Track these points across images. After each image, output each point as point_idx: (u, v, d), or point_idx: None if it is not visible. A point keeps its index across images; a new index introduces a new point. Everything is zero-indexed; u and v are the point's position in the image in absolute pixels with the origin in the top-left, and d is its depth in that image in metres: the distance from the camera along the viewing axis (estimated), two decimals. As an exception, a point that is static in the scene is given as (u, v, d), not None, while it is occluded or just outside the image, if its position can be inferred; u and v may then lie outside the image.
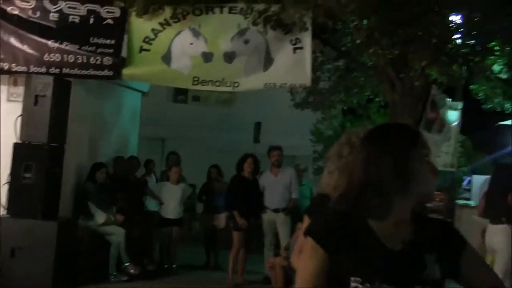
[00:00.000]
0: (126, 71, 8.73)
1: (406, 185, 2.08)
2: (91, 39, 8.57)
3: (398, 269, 2.05)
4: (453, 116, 10.95)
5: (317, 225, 2.22)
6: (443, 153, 10.97)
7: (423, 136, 2.17)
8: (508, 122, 13.23)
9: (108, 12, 8.57)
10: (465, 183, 13.91)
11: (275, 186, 9.78)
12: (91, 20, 8.60)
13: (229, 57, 8.57)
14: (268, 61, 8.53)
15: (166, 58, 8.64)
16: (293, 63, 8.50)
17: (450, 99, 11.07)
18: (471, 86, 11.56)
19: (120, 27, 8.62)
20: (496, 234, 6.99)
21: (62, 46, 8.54)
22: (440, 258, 2.10)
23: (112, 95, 10.90)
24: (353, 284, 2.01)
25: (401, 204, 2.11)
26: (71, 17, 8.61)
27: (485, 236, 7.72)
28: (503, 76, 10.76)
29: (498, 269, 6.89)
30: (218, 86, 8.75)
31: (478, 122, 14.38)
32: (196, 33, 8.52)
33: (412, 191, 2.09)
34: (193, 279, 10.09)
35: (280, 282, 8.31)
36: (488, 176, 9.81)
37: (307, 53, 8.41)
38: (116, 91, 10.84)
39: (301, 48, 8.39)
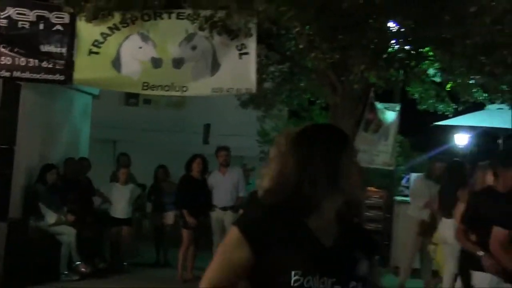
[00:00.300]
0: (77, 77, 8.63)
1: (336, 184, 2.11)
2: (41, 44, 8.46)
3: (335, 264, 2.08)
4: (390, 117, 11.10)
5: (246, 218, 2.24)
6: (382, 152, 11.10)
7: (351, 139, 2.25)
8: (442, 123, 13.48)
9: (57, 17, 8.44)
10: (404, 181, 14.14)
11: (223, 185, 9.83)
12: (41, 26, 8.45)
13: (178, 62, 8.55)
14: (215, 66, 8.53)
15: (116, 63, 8.56)
16: (239, 68, 8.52)
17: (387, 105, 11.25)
18: (407, 88, 11.75)
19: (69, 32, 8.50)
20: (449, 228, 7.11)
21: (13, 51, 8.38)
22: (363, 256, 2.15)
23: (63, 98, 10.76)
24: (294, 278, 2.01)
25: (331, 202, 2.14)
26: (20, 23, 8.45)
27: (439, 229, 7.91)
28: (437, 79, 10.96)
29: (450, 258, 7.10)
30: (167, 90, 8.73)
31: (415, 123, 14.61)
32: (145, 38, 8.48)
33: (341, 190, 2.12)
34: (143, 276, 10.06)
35: None
36: (420, 174, 10.03)
37: (252, 58, 8.45)
38: (67, 93, 10.70)
39: (246, 53, 8.42)
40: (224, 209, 9.69)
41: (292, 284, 2.01)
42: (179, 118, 15.62)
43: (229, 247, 2.09)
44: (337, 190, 2.13)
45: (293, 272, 2.02)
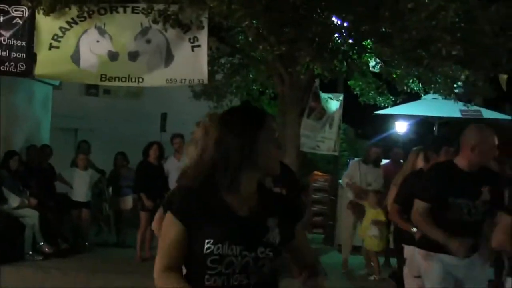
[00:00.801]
0: (38, 71, 8.53)
1: (253, 162, 2.19)
2: (1, 37, 8.29)
3: (244, 232, 2.15)
4: (334, 106, 11.22)
5: (174, 200, 2.30)
6: (327, 139, 11.24)
7: (270, 118, 2.26)
8: (382, 112, 13.66)
9: (16, 10, 8.29)
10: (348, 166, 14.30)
11: (178, 170, 9.64)
12: (1, 19, 8.29)
13: (133, 56, 8.49)
14: (169, 58, 8.50)
15: (75, 57, 8.46)
16: (191, 60, 8.49)
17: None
18: (349, 82, 11.89)
19: (29, 25, 8.35)
20: None
21: (-26, 43, 8.23)
22: (280, 224, 2.22)
23: (23, 88, 10.69)
24: (207, 246, 2.10)
25: (249, 178, 2.22)
26: (-21, 16, 8.31)
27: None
28: (376, 70, 11.10)
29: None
30: (124, 81, 8.67)
31: (359, 112, 14.79)
32: (102, 32, 8.39)
33: (258, 166, 2.21)
34: (104, 256, 10.01)
35: None
36: (357, 159, 10.16)
37: (204, 51, 8.44)
38: (27, 84, 10.57)
39: (198, 46, 8.41)
40: (179, 192, 9.66)
41: (204, 251, 2.11)
42: (137, 108, 15.49)
43: (166, 228, 2.23)
44: (253, 166, 2.20)
45: (206, 241, 2.12)
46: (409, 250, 5.35)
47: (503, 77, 9.26)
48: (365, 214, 9.11)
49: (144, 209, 9.59)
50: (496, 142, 4.32)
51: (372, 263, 9.15)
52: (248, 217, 2.19)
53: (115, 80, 8.62)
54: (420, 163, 5.73)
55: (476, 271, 4.39)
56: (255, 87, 12.14)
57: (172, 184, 9.68)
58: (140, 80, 8.60)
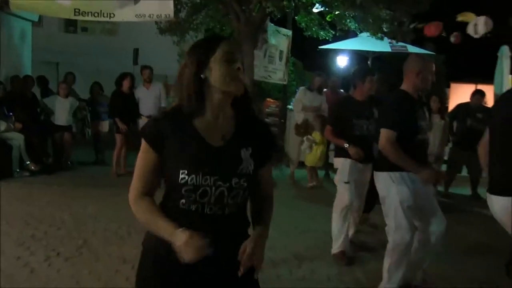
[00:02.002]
0: (13, 3, 8.10)
1: (209, 84, 2.01)
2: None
3: (219, 163, 1.98)
4: (284, 41, 11.12)
5: (147, 127, 2.07)
6: (278, 70, 11.21)
7: (226, 42, 2.04)
8: (325, 47, 13.60)
9: None
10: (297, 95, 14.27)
11: (148, 98, 9.67)
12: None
13: (105, -8, 8.14)
14: (138, -5, 8.19)
15: None
16: (159, -3, 8.22)
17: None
18: (296, 17, 11.72)
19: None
20: None
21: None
22: (254, 153, 2.05)
23: (3, 24, 10.28)
24: (181, 176, 1.94)
25: (214, 103, 2.03)
26: None
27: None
28: (318, 9, 10.97)
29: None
30: (97, 16, 8.34)
31: (306, 47, 14.71)
32: (76, -32, 8.00)
33: (217, 88, 2.01)
34: (85, 172, 9.96)
35: None
36: (304, 87, 10.12)
37: (170, -12, 8.15)
38: (7, 19, 10.23)
39: None
40: (149, 117, 9.53)
41: (179, 181, 1.95)
42: (112, 44, 15.19)
43: (140, 155, 2.06)
44: (212, 88, 2.02)
45: (180, 171, 1.95)
46: (339, 161, 5.42)
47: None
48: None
49: (118, 131, 9.51)
50: (434, 69, 4.26)
51: (313, 175, 9.38)
52: (222, 147, 2.01)
53: (88, 15, 8.29)
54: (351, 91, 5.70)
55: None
56: (213, 24, 11.82)
57: (143, 110, 9.61)
58: (112, 15, 8.29)
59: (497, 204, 3.34)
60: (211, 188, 1.96)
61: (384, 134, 4.07)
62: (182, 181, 1.95)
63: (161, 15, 8.49)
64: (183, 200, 1.98)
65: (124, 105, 9.47)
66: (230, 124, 2.07)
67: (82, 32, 15.64)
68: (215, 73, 1.99)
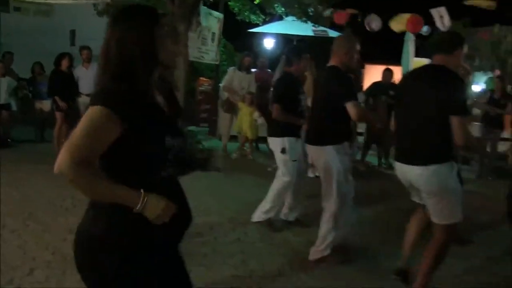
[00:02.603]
0: None
1: (156, 57, 1.88)
2: None
3: (173, 126, 1.97)
4: (215, 24, 11.07)
5: (110, 97, 1.80)
6: (210, 51, 11.15)
7: (163, 16, 1.99)
8: (254, 30, 13.66)
9: None
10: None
11: (87, 77, 9.38)
12: None
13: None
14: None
15: None
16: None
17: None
18: (229, 3, 11.69)
19: None
20: None
21: None
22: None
23: None
24: (167, 141, 1.88)
25: (155, 72, 1.93)
26: None
27: None
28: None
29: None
30: None
31: (236, 30, 14.69)
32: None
33: (160, 61, 1.91)
34: (26, 149, 9.62)
35: None
36: (233, 67, 10.11)
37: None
38: None
39: None
40: (88, 95, 9.31)
41: (166, 146, 1.88)
42: (48, 25, 14.46)
43: (98, 122, 1.74)
44: (157, 61, 1.90)
45: (166, 138, 1.88)
46: (284, 140, 5.19)
47: None
48: (240, 110, 9.30)
49: (58, 109, 9.20)
50: (358, 49, 4.36)
51: (244, 147, 9.52)
52: (169, 115, 1.99)
53: None
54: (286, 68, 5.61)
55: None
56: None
57: (82, 88, 9.35)
58: None
59: (411, 171, 3.53)
60: (174, 149, 1.92)
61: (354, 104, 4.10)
62: (169, 146, 1.88)
63: None
64: (166, 166, 1.90)
65: (63, 84, 9.15)
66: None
67: (14, 11, 14.79)
68: (159, 45, 1.89)
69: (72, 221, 5.23)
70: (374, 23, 10.99)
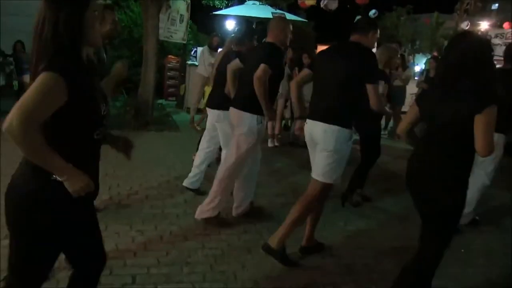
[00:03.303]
0: None
1: (85, 36, 1.87)
2: None
3: (105, 97, 2.00)
4: (183, 6, 11.03)
5: (60, 66, 1.77)
6: (178, 31, 11.12)
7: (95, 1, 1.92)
8: (217, 13, 13.63)
9: None
10: (192, 52, 14.21)
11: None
12: None
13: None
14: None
15: None
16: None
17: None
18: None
19: None
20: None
21: None
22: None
23: None
24: (103, 108, 1.93)
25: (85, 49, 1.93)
26: None
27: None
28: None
29: None
30: None
31: (201, 12, 14.62)
32: None
33: (87, 40, 1.89)
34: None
35: None
36: (204, 46, 10.11)
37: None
38: None
39: None
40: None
41: (102, 113, 1.93)
42: (28, 6, 13.94)
43: (48, 86, 1.71)
44: (86, 39, 1.89)
45: (101, 105, 1.92)
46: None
47: None
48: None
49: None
50: (291, 29, 4.39)
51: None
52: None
53: None
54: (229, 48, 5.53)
55: None
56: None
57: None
58: None
59: (317, 127, 3.64)
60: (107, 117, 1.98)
61: (265, 68, 4.04)
62: (105, 112, 1.95)
63: None
64: (99, 131, 1.95)
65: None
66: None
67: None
68: (89, 26, 1.87)
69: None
70: (331, 3, 11.22)
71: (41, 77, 1.72)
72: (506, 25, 15.38)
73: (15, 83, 10.69)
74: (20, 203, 1.89)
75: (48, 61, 1.76)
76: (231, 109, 4.41)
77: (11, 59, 10.64)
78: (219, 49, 9.90)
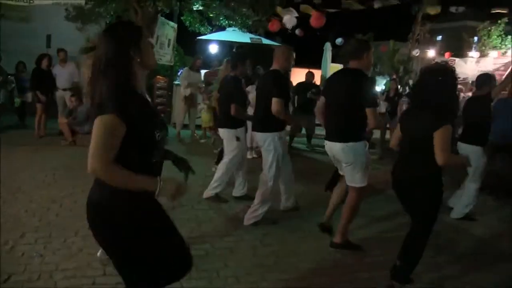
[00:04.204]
0: None
1: (141, 61, 1.91)
2: None
3: (162, 122, 2.00)
4: (171, 31, 11.01)
5: (116, 105, 1.81)
6: (166, 54, 11.09)
7: (144, 29, 2.02)
8: (202, 38, 13.65)
9: None
10: (179, 72, 14.08)
11: (63, 74, 9.16)
12: None
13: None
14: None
15: None
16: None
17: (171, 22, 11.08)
18: (182, 17, 11.65)
19: None
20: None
21: None
22: None
23: None
24: (157, 134, 1.91)
25: (142, 75, 1.97)
26: None
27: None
28: (198, 8, 11.01)
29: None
30: (18, 1, 7.65)
31: (187, 37, 14.59)
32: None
33: (144, 64, 1.94)
34: (12, 134, 9.11)
35: (67, 131, 8.25)
36: (187, 67, 10.03)
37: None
38: None
39: None
40: (64, 89, 9.12)
41: (156, 139, 1.92)
42: (27, 30, 13.88)
43: (111, 128, 1.78)
44: (142, 64, 1.93)
45: (156, 131, 1.91)
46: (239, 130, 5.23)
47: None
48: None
49: (39, 101, 8.92)
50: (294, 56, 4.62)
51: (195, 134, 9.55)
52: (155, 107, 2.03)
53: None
54: (228, 70, 5.49)
55: None
56: (112, 16, 11.11)
57: (59, 84, 9.09)
58: (31, 1, 7.66)
59: (335, 147, 3.91)
60: (163, 140, 1.98)
61: (279, 101, 4.25)
62: (159, 138, 1.91)
63: (69, 3, 7.98)
64: (155, 154, 1.94)
65: (43, 80, 8.87)
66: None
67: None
68: (145, 52, 1.91)
69: (54, 193, 5.22)
70: (289, 20, 11.32)
71: (104, 120, 1.78)
72: (447, 54, 16.16)
73: (17, 100, 10.45)
74: (93, 211, 1.95)
75: (106, 100, 1.80)
76: (254, 133, 4.72)
77: (12, 78, 10.37)
78: (202, 71, 9.93)
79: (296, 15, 11.05)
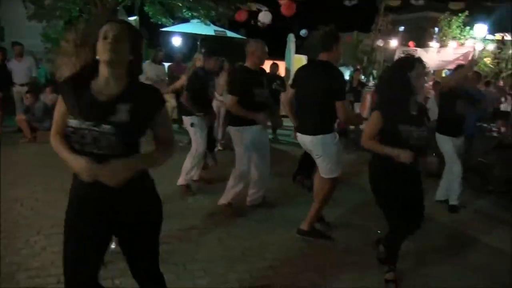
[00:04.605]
0: None
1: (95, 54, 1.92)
2: None
3: (94, 113, 1.90)
4: (133, 24, 10.87)
5: (63, 85, 1.98)
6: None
7: (106, 24, 1.95)
8: (165, 29, 13.54)
9: None
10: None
11: (19, 69, 8.90)
12: None
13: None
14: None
15: None
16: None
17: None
18: (145, 8, 11.51)
19: None
20: None
21: None
22: (134, 109, 1.92)
23: None
24: (69, 121, 1.91)
25: (102, 70, 1.96)
26: None
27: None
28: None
29: None
30: None
31: (150, 30, 14.41)
32: None
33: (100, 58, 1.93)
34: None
35: (26, 128, 8.04)
36: (148, 60, 9.89)
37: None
38: None
39: None
40: (22, 85, 8.84)
41: (68, 125, 1.91)
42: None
43: (57, 104, 2.01)
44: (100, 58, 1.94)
45: (69, 117, 1.91)
46: (186, 119, 5.39)
47: None
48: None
49: (-5, 97, 8.60)
50: (266, 50, 4.47)
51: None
52: (103, 101, 1.92)
53: None
54: (199, 62, 5.48)
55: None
56: (74, 11, 10.83)
57: (15, 79, 8.82)
58: None
59: (306, 139, 3.99)
60: (88, 131, 1.88)
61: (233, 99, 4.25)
62: (68, 125, 1.92)
63: None
64: (71, 140, 1.93)
65: (-2, 75, 8.56)
66: (119, 86, 1.94)
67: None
68: (98, 47, 1.92)
69: (15, 192, 5.07)
70: (264, 17, 11.39)
71: None
72: (411, 43, 16.67)
73: None
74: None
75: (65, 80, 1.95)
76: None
77: None
78: (164, 64, 9.82)
79: (266, 8, 11.13)
